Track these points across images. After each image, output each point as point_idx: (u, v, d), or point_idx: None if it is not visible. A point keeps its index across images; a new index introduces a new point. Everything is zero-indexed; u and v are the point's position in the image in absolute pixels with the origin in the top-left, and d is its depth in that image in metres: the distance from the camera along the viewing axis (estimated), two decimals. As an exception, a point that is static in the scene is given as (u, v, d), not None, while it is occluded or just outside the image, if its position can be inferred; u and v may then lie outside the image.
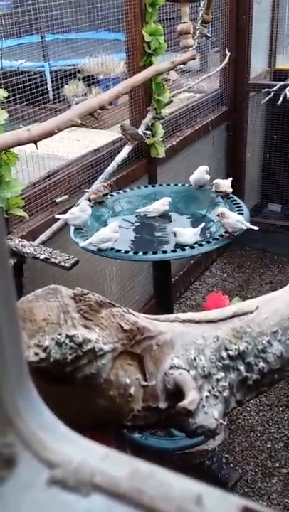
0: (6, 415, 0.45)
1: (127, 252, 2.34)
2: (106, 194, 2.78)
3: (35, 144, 2.13)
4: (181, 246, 2.39)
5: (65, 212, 2.78)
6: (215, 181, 2.83)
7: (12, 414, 0.45)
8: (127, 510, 0.40)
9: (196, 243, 2.37)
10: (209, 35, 3.35)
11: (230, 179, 2.86)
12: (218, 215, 2.45)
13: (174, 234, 2.43)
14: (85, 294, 1.31)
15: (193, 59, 3.19)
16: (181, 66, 3.31)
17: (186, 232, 2.44)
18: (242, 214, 2.56)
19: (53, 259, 2.26)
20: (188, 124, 4.22)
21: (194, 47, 3.13)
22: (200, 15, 3.20)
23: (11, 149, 2.28)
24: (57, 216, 2.61)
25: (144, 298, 3.84)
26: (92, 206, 2.56)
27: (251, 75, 4.65)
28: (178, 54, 3.28)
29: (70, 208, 2.80)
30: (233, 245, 4.85)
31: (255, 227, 2.49)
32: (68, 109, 2.29)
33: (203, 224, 2.53)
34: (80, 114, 2.26)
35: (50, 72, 5.01)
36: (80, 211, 2.49)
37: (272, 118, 4.87)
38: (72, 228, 2.50)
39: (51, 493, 0.41)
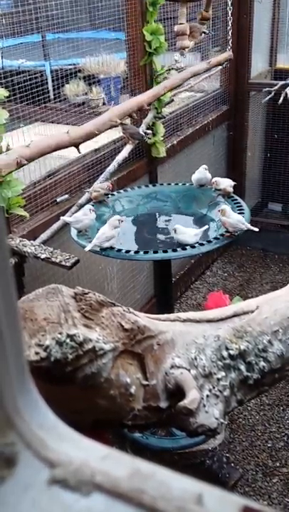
0: (6, 415, 0.45)
1: (127, 251, 2.34)
2: (107, 194, 2.78)
3: (77, 147, 2.12)
4: (180, 245, 2.39)
5: (65, 211, 2.78)
6: (215, 179, 2.83)
7: (13, 413, 0.45)
8: (128, 509, 0.40)
9: (196, 243, 2.37)
10: (207, 32, 3.34)
11: (233, 183, 2.85)
12: (219, 211, 2.45)
13: (175, 230, 2.43)
14: (86, 294, 1.31)
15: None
16: (182, 65, 3.31)
17: (187, 232, 2.44)
18: (243, 213, 2.56)
19: (53, 259, 2.26)
20: (188, 124, 4.22)
21: (190, 47, 3.13)
22: (202, 13, 3.20)
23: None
24: (62, 218, 2.60)
25: (144, 297, 3.84)
26: (94, 209, 2.55)
27: (252, 74, 4.65)
28: (178, 53, 3.27)
29: (70, 207, 2.80)
30: (234, 245, 4.85)
31: (256, 229, 2.49)
32: (107, 111, 2.29)
33: (206, 226, 2.53)
34: (120, 115, 2.27)
35: (51, 72, 5.00)
36: (83, 215, 2.48)
37: (272, 117, 4.86)
38: (74, 231, 2.50)
39: (52, 493, 0.41)
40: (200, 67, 3.06)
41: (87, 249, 2.35)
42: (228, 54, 3.07)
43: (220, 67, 4.15)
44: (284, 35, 4.85)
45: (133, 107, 2.35)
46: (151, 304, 3.73)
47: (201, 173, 2.93)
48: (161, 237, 2.74)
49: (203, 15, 3.22)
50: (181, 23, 2.98)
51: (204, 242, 2.36)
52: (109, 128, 2.24)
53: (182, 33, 2.99)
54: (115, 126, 2.26)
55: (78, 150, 2.14)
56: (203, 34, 3.29)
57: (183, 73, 3.01)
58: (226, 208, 2.44)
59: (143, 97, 2.46)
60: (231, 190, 2.79)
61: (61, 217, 2.62)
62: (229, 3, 3.93)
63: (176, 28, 3.01)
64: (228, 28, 4.05)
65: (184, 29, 2.97)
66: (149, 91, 2.60)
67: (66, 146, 2.11)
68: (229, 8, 3.92)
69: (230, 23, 4.06)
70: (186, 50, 3.07)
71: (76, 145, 2.11)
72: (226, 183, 2.80)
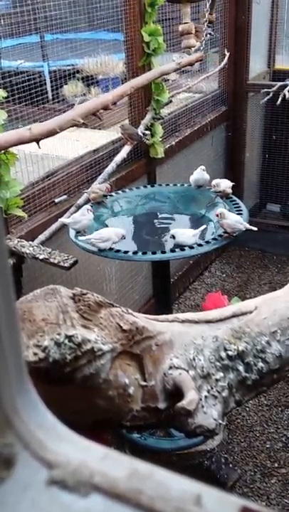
0: (5, 415, 0.45)
1: (126, 252, 2.34)
2: (106, 195, 2.78)
3: (37, 143, 2.13)
4: (179, 246, 2.39)
5: (64, 212, 2.78)
6: (214, 181, 2.83)
7: (11, 414, 0.45)
8: (126, 510, 0.40)
9: (194, 243, 2.37)
10: (212, 33, 3.35)
11: (232, 184, 2.85)
12: (217, 215, 2.45)
13: (173, 237, 2.42)
14: (84, 294, 1.31)
15: (201, 60, 3.18)
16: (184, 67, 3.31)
17: (185, 232, 2.44)
18: (241, 214, 2.56)
19: (52, 259, 2.26)
20: (187, 125, 4.22)
21: (202, 48, 3.13)
22: (206, 16, 3.20)
23: (10, 149, 2.28)
24: (60, 220, 2.60)
25: (143, 298, 3.84)
26: (91, 210, 2.55)
27: (250, 75, 4.65)
28: (176, 54, 3.28)
29: (69, 208, 2.80)
30: (232, 245, 4.85)
31: (254, 228, 2.49)
32: (71, 109, 2.29)
33: (204, 226, 2.53)
34: (83, 114, 2.26)
35: (49, 72, 5.00)
36: (81, 215, 2.48)
37: (271, 118, 4.87)
38: (72, 231, 2.50)
39: (50, 494, 0.41)
40: (169, 66, 3.05)
41: (80, 239, 2.39)
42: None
43: (218, 68, 4.17)
44: (282, 36, 4.85)
45: (97, 106, 2.34)
46: (150, 305, 3.73)
47: (199, 173, 2.93)
48: (159, 237, 2.74)
49: (209, 18, 3.21)
50: (185, 23, 2.97)
51: (203, 243, 2.36)
52: (71, 126, 2.23)
53: (187, 32, 2.98)
54: (77, 125, 2.25)
55: (39, 146, 2.16)
56: (208, 35, 3.28)
57: (151, 72, 3.00)
58: (223, 211, 2.44)
59: (108, 97, 2.45)
60: (230, 191, 2.79)
61: (59, 220, 2.62)
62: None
63: (180, 27, 3.00)
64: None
65: (189, 28, 2.96)
66: (114, 90, 2.59)
67: (27, 142, 2.12)
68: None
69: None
70: (192, 49, 3.06)
71: (37, 141, 2.12)
72: (225, 185, 2.80)
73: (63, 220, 2.56)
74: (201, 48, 3.10)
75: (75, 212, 2.73)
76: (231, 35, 4.43)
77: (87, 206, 2.54)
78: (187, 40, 3.01)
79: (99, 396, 1.26)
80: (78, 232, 2.47)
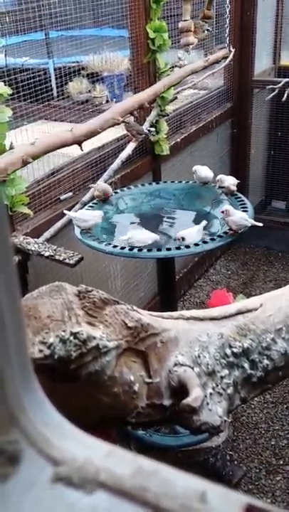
0: (10, 412, 0.45)
1: (131, 249, 2.34)
2: (105, 199, 2.78)
3: (80, 144, 2.13)
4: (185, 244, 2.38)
5: (69, 209, 2.78)
6: (219, 177, 2.83)
7: (16, 411, 0.46)
8: (132, 507, 0.40)
9: (200, 240, 2.36)
10: (210, 29, 3.34)
11: (237, 181, 2.85)
12: (222, 212, 2.45)
13: (182, 239, 2.39)
14: (90, 291, 1.31)
15: (227, 56, 3.18)
16: (185, 63, 3.30)
17: (191, 232, 2.42)
18: (246, 211, 2.55)
19: (57, 257, 2.27)
20: (192, 121, 4.22)
21: (195, 44, 3.12)
22: (204, 11, 3.20)
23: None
24: (66, 212, 2.60)
25: (148, 295, 3.84)
26: (104, 217, 2.54)
27: (255, 71, 4.64)
28: (182, 51, 3.27)
29: (74, 205, 2.80)
30: (238, 243, 4.85)
31: (260, 224, 2.49)
32: (109, 109, 2.30)
33: (205, 222, 2.52)
34: (122, 113, 2.27)
35: (54, 70, 5.00)
36: (92, 216, 2.47)
37: (276, 115, 4.85)
38: (77, 228, 2.50)
39: (55, 491, 0.41)
40: (198, 64, 3.06)
41: (66, 212, 2.54)
42: (225, 51, 3.08)
43: (223, 64, 4.15)
44: (288, 33, 4.83)
45: (134, 105, 2.36)
46: (155, 302, 3.73)
47: (204, 170, 2.93)
48: (164, 234, 2.74)
49: (205, 13, 3.21)
50: (185, 20, 2.97)
51: (208, 240, 2.36)
52: (112, 126, 2.24)
53: (187, 30, 2.98)
54: (117, 124, 2.27)
55: (81, 148, 2.15)
56: (206, 32, 3.28)
57: (181, 71, 3.01)
58: (229, 208, 2.44)
59: (144, 95, 2.47)
60: (235, 188, 2.78)
61: (65, 211, 2.61)
62: (228, 1, 3.93)
63: (180, 24, 3.00)
64: (226, 25, 4.04)
65: (189, 26, 2.97)
66: (148, 89, 2.61)
67: (70, 144, 2.12)
68: (227, 5, 3.92)
69: (227, 20, 4.06)
70: (191, 46, 3.06)
71: (79, 143, 2.12)
72: (230, 181, 2.80)
73: (70, 213, 2.55)
74: (194, 43, 3.10)
75: (80, 209, 2.73)
76: (236, 32, 4.41)
77: (101, 213, 2.53)
78: (186, 37, 3.01)
79: (104, 393, 1.26)
80: (83, 230, 2.47)
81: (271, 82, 4.39)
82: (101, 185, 2.79)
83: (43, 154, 2.16)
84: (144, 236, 2.40)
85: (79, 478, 0.42)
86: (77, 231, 2.49)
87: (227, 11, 3.97)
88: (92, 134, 2.14)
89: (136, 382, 1.30)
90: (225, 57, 3.13)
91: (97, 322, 1.27)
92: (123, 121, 2.28)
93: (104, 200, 2.76)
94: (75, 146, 2.27)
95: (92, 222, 2.45)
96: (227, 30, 4.10)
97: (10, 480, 0.43)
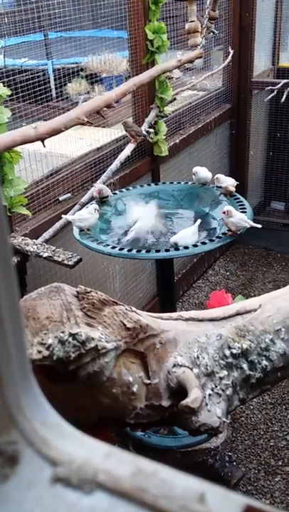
0: (9, 413, 0.45)
1: (130, 250, 2.34)
2: (103, 198, 2.78)
3: (42, 141, 2.13)
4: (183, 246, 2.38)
5: (68, 210, 2.78)
6: (217, 176, 2.83)
7: (15, 412, 0.45)
8: (130, 508, 0.40)
9: (198, 242, 2.36)
10: (216, 32, 3.34)
11: (236, 182, 2.85)
12: (224, 213, 2.44)
13: (175, 244, 2.39)
14: (88, 292, 1.31)
15: (200, 57, 3.19)
16: (185, 64, 3.31)
17: (184, 235, 2.41)
18: (245, 212, 2.55)
19: (56, 258, 2.27)
20: (191, 122, 4.22)
21: (202, 45, 3.12)
22: (206, 12, 3.20)
23: (15, 147, 2.29)
24: (64, 216, 2.61)
25: (147, 296, 3.84)
26: (99, 210, 2.56)
27: (254, 72, 4.64)
28: (180, 52, 3.27)
29: (73, 206, 2.80)
30: (237, 243, 4.85)
31: (259, 225, 2.49)
32: (75, 107, 2.29)
33: (199, 221, 2.52)
34: (87, 112, 2.26)
35: (53, 71, 5.00)
36: (88, 213, 2.48)
37: (275, 116, 4.86)
38: (76, 229, 2.50)
39: (54, 491, 0.41)
40: (170, 64, 3.05)
41: (64, 216, 2.53)
42: (199, 51, 3.07)
43: (222, 65, 4.16)
44: (287, 34, 4.84)
45: (100, 105, 2.34)
46: (154, 303, 3.74)
47: (203, 171, 2.93)
48: (163, 235, 2.74)
49: (211, 14, 3.21)
50: (191, 21, 2.97)
51: (207, 241, 2.36)
52: (76, 125, 2.23)
53: (194, 31, 2.98)
54: (82, 123, 2.25)
55: (44, 145, 2.16)
56: (211, 33, 3.28)
57: (151, 70, 3.00)
58: (230, 209, 2.43)
59: (111, 95, 2.45)
60: (233, 189, 2.78)
61: (63, 216, 2.62)
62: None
63: (186, 26, 3.00)
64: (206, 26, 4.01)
65: (196, 27, 2.97)
66: (117, 88, 2.59)
67: (32, 141, 2.12)
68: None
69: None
70: (198, 47, 3.06)
71: (42, 140, 2.12)
72: (229, 182, 2.80)
73: (67, 217, 2.56)
74: (201, 44, 3.09)
75: (79, 210, 2.73)
76: (235, 33, 4.42)
77: (95, 206, 2.54)
78: (194, 38, 3.01)
79: (103, 394, 1.26)
80: (82, 230, 2.47)
81: (270, 83, 4.39)
82: (100, 186, 2.79)
83: (4, 150, 2.17)
84: (86, 214, 2.48)
85: (78, 478, 0.42)
86: (75, 232, 2.49)
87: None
88: (55, 131, 2.14)
89: (135, 383, 1.30)
90: (198, 57, 3.13)
91: (96, 323, 1.27)
92: (88, 122, 2.27)
93: (102, 201, 2.76)
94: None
95: (91, 219, 2.46)
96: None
97: (9, 481, 0.43)
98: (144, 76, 2.84)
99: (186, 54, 3.09)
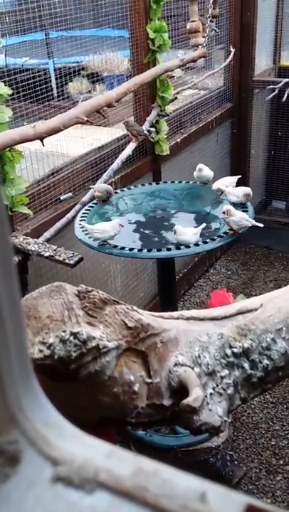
0: (10, 412, 0.45)
1: (131, 249, 2.34)
2: (108, 197, 2.77)
3: (42, 140, 2.13)
4: (181, 244, 2.38)
5: (69, 209, 2.78)
6: (226, 190, 2.74)
7: (16, 411, 0.45)
8: (132, 507, 0.40)
9: (195, 242, 2.36)
10: (218, 30, 3.34)
11: (238, 176, 2.84)
12: (224, 212, 2.44)
13: (174, 232, 2.41)
14: (89, 292, 1.31)
15: (204, 57, 3.18)
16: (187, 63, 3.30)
17: (187, 232, 2.42)
18: (246, 212, 2.55)
19: (57, 257, 2.27)
20: (192, 121, 4.22)
21: (204, 44, 3.12)
22: (209, 11, 3.20)
23: (16, 147, 2.29)
24: (84, 224, 2.49)
25: (148, 295, 3.84)
26: (123, 225, 2.46)
27: (256, 71, 4.64)
28: (182, 51, 3.27)
29: (74, 205, 2.80)
30: (238, 243, 4.85)
31: (260, 224, 2.49)
32: (75, 106, 2.29)
33: (204, 225, 2.52)
34: (87, 111, 2.26)
35: (55, 70, 5.00)
36: (110, 227, 2.38)
37: (276, 115, 4.85)
38: (78, 229, 2.48)
39: (55, 490, 0.41)
40: (172, 63, 3.05)
41: (84, 224, 2.43)
42: (202, 51, 3.06)
43: (223, 64, 4.16)
44: (288, 33, 4.84)
45: (101, 103, 2.33)
46: (155, 302, 3.73)
47: (204, 170, 2.93)
48: (164, 235, 2.74)
49: (212, 13, 3.21)
50: (193, 21, 2.97)
51: (208, 240, 2.36)
52: (75, 124, 2.23)
53: (195, 31, 2.98)
54: (81, 123, 2.25)
55: (42, 143, 2.15)
56: (213, 32, 3.28)
57: (154, 69, 3.00)
58: (230, 208, 2.43)
59: (112, 94, 2.45)
60: (245, 200, 2.68)
61: (82, 223, 2.50)
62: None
63: (188, 25, 3.00)
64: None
65: (197, 26, 2.96)
66: (118, 87, 2.59)
67: (31, 140, 2.12)
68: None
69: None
70: (200, 47, 3.06)
71: (41, 139, 2.12)
72: (237, 193, 2.70)
73: (87, 226, 2.44)
74: (205, 43, 3.09)
75: (80, 209, 2.73)
76: (237, 32, 4.41)
77: (119, 221, 2.45)
78: (195, 38, 3.00)
79: (104, 393, 1.26)
80: (102, 242, 2.38)
81: (271, 82, 4.39)
82: (101, 186, 2.78)
83: (2, 149, 2.16)
84: (107, 227, 2.38)
85: (79, 478, 0.42)
86: (77, 231, 2.48)
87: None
88: (54, 130, 2.13)
89: (136, 383, 1.30)
90: (201, 57, 3.12)
91: (97, 322, 1.27)
92: (88, 121, 2.26)
93: (104, 200, 2.76)
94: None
95: (111, 232, 2.37)
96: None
97: (10, 480, 0.43)
98: (146, 75, 2.84)
99: (189, 53, 3.08)
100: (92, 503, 0.40)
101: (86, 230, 2.44)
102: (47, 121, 2.21)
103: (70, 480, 0.42)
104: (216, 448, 2.82)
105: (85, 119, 2.23)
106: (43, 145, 2.17)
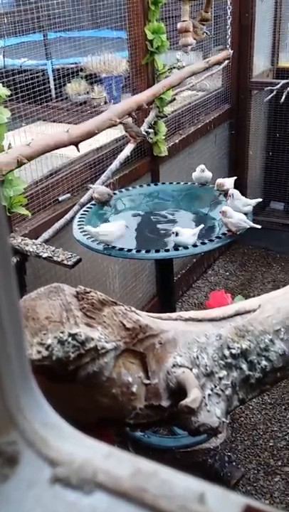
0: (8, 413, 0.45)
1: (129, 250, 2.34)
2: (108, 200, 2.77)
3: (76, 145, 2.12)
4: (179, 245, 2.38)
5: (67, 210, 2.78)
6: (218, 181, 2.80)
7: (15, 412, 0.46)
8: (130, 508, 0.40)
9: (194, 243, 2.36)
10: (208, 33, 3.35)
11: (234, 178, 2.85)
12: (220, 212, 2.45)
13: (174, 233, 2.40)
14: (88, 293, 1.31)
15: (228, 58, 3.18)
16: (184, 64, 3.31)
17: (185, 233, 2.42)
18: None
19: (55, 258, 2.27)
20: (190, 123, 4.22)
21: (194, 45, 3.13)
22: (202, 14, 3.20)
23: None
24: (86, 228, 2.44)
25: (146, 296, 3.84)
26: (128, 227, 2.44)
27: (254, 73, 4.64)
28: (180, 52, 3.27)
29: (72, 206, 2.80)
30: (236, 244, 4.85)
31: (258, 226, 2.49)
32: (107, 110, 2.29)
33: (202, 226, 2.52)
34: (119, 114, 2.27)
35: (53, 71, 5.00)
36: (117, 228, 2.36)
37: (274, 116, 4.86)
38: (76, 229, 2.48)
39: (54, 491, 0.41)
40: (199, 66, 3.06)
41: (86, 228, 2.39)
42: (226, 53, 3.07)
43: (221, 65, 4.16)
44: (286, 34, 4.84)
45: (132, 106, 2.35)
46: (153, 303, 3.73)
47: (198, 173, 2.93)
48: (162, 236, 2.74)
49: (203, 16, 3.22)
50: (184, 20, 2.98)
51: (206, 241, 2.36)
52: (109, 127, 2.24)
53: (185, 30, 2.99)
54: (114, 125, 2.26)
55: (78, 149, 2.14)
56: (205, 34, 3.29)
57: (182, 72, 3.02)
58: (227, 209, 2.44)
59: (142, 97, 2.47)
60: (247, 209, 2.67)
61: (85, 227, 2.46)
62: (228, 2, 3.93)
63: (179, 25, 3.01)
64: (227, 26, 4.05)
65: (187, 26, 2.97)
66: (147, 90, 2.60)
67: (66, 145, 2.11)
68: (228, 7, 3.92)
69: (229, 22, 4.07)
70: (190, 47, 3.07)
71: (76, 144, 2.11)
72: (230, 184, 2.75)
73: (90, 229, 2.40)
74: (194, 43, 3.09)
75: (78, 210, 2.73)
76: (235, 33, 4.41)
77: (124, 222, 2.43)
78: (185, 38, 3.01)
79: (102, 394, 1.26)
80: (107, 244, 2.36)
81: (269, 83, 4.39)
82: (102, 189, 2.78)
83: (39, 155, 2.16)
84: (113, 228, 2.35)
85: (77, 479, 0.42)
86: (75, 232, 2.48)
87: (228, 12, 3.97)
88: (88, 135, 2.14)
89: (134, 384, 1.30)
90: (226, 59, 3.13)
91: (96, 323, 1.27)
92: (120, 123, 2.27)
93: (103, 202, 2.76)
94: (72, 147, 2.27)
95: (118, 233, 2.34)
96: (229, 32, 4.10)
97: (8, 481, 0.43)
98: (174, 78, 2.86)
99: (214, 55, 3.08)
100: (91, 504, 0.40)
101: (88, 234, 2.41)
102: (80, 125, 2.20)
103: (68, 481, 0.42)
104: (214, 449, 2.82)
105: (118, 121, 2.24)
106: (78, 150, 2.14)
